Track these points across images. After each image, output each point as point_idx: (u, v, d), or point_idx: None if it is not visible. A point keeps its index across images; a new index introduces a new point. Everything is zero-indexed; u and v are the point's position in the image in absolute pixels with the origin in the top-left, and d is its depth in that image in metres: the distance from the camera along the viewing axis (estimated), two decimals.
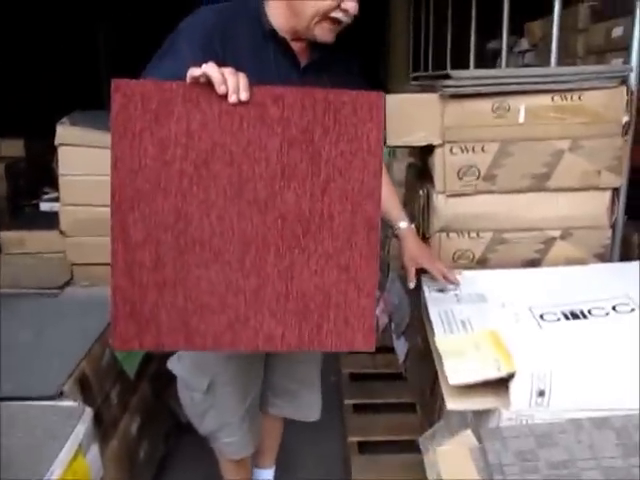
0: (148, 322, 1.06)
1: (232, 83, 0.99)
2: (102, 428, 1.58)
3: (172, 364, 1.58)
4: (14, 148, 4.36)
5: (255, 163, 1.05)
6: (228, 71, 1.00)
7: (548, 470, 1.03)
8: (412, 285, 1.52)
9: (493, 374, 1.13)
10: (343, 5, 1.25)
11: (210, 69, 0.99)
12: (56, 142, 2.30)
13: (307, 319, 1.09)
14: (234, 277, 1.07)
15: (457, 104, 1.52)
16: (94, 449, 1.43)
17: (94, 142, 2.25)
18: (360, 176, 1.06)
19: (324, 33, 1.29)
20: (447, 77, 1.51)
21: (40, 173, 4.19)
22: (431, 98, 1.53)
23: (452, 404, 1.16)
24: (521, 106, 1.53)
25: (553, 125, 1.54)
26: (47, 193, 3.54)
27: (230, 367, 1.50)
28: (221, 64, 1.03)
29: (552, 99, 1.53)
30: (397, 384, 2.32)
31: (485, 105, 1.52)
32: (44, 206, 3.33)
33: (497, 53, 3.51)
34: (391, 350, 2.48)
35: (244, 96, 1.00)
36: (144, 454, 1.85)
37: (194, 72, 1.00)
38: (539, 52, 3.01)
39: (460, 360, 1.19)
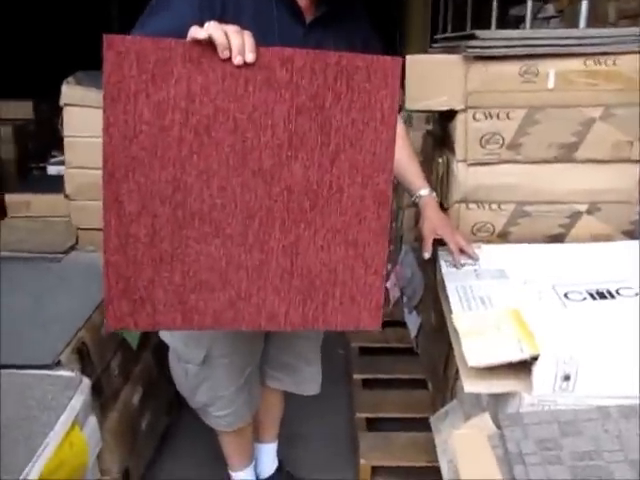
0: (143, 300, 1.00)
1: (237, 43, 0.90)
2: (102, 399, 1.53)
3: (165, 335, 1.52)
4: (23, 110, 4.30)
5: (260, 130, 0.96)
6: (232, 30, 0.91)
7: (572, 461, 0.95)
8: (427, 255, 1.44)
9: (515, 356, 1.05)
10: None
11: (213, 29, 0.90)
12: (61, 102, 2.22)
13: (312, 296, 1.03)
14: (236, 252, 1.00)
15: (482, 67, 1.41)
16: (92, 421, 1.38)
17: (100, 102, 2.15)
18: (372, 147, 0.99)
19: None
20: (472, 37, 1.41)
21: (49, 135, 4.12)
22: (454, 60, 1.43)
23: (470, 386, 1.09)
24: (551, 70, 1.43)
25: (584, 91, 1.44)
26: (55, 156, 3.48)
27: (228, 338, 1.44)
28: (221, 21, 0.95)
29: (584, 63, 1.42)
30: (408, 359, 2.25)
31: (512, 68, 1.41)
32: (52, 169, 3.26)
33: (520, 20, 3.37)
34: (402, 324, 2.42)
35: (250, 57, 0.91)
36: (146, 425, 1.80)
37: (196, 33, 0.91)
38: (566, 18, 2.86)
39: (480, 340, 1.11)
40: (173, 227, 0.97)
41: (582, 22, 2.08)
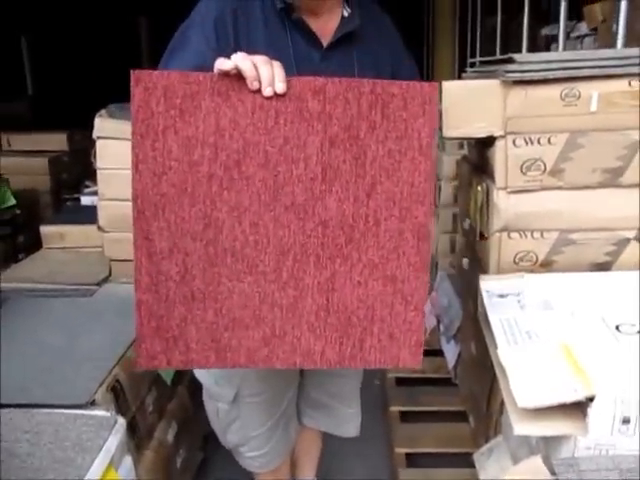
0: (176, 338, 0.97)
1: (266, 74, 0.88)
2: (137, 437, 1.50)
3: (199, 372, 1.49)
4: (57, 141, 4.37)
5: (293, 164, 0.94)
6: (261, 60, 0.89)
7: None
8: None
9: (570, 397, 0.99)
10: None
11: (241, 60, 0.88)
12: (94, 135, 2.23)
13: (349, 334, 1.00)
14: (269, 289, 0.97)
15: (521, 91, 1.37)
16: (127, 461, 1.34)
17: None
18: (410, 178, 0.96)
19: None
20: (510, 61, 1.36)
21: (82, 166, 4.19)
22: (492, 85, 1.38)
23: (520, 428, 1.02)
24: (593, 92, 1.37)
25: (629, 113, 1.38)
26: (88, 187, 3.51)
27: (259, 377, 1.40)
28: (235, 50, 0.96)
29: (629, 84, 1.36)
30: (446, 390, 2.19)
31: (553, 92, 1.36)
32: (85, 200, 3.29)
33: (552, 39, 3.31)
34: (439, 353, 2.35)
35: (280, 88, 0.89)
36: (181, 461, 1.76)
37: (223, 65, 0.89)
38: (600, 37, 2.80)
39: (529, 378, 1.05)
40: (205, 264, 0.95)
41: (619, 41, 2.03)
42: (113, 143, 2.21)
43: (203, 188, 0.93)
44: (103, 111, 2.26)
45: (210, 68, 1.12)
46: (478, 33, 4.22)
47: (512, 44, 3.39)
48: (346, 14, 1.24)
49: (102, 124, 2.21)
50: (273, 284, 0.97)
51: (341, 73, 1.16)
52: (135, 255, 0.95)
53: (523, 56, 1.37)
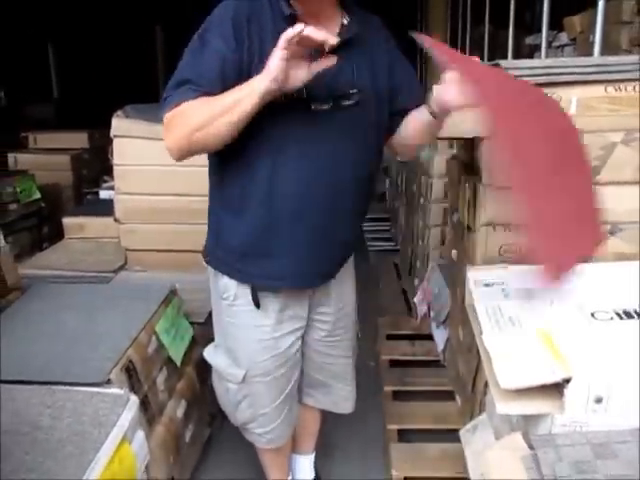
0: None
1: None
2: (148, 414, 1.50)
3: (208, 354, 1.49)
4: (79, 140, 4.38)
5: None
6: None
7: None
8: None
9: (548, 379, 0.98)
10: None
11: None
12: (111, 134, 2.22)
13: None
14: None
15: None
16: (140, 435, 1.34)
17: (146, 133, 2.16)
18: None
19: None
20: (497, 67, 1.35)
21: (101, 163, 4.19)
22: None
23: (503, 408, 1.02)
24: (573, 97, 1.37)
25: (605, 117, 1.37)
26: (106, 181, 3.51)
27: (265, 359, 1.39)
28: (249, 51, 1.07)
29: (605, 90, 1.36)
30: (435, 371, 2.19)
31: None
32: (103, 194, 3.30)
33: (534, 48, 3.30)
34: (429, 337, 2.35)
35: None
36: (190, 437, 1.76)
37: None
38: (579, 46, 2.79)
39: (511, 362, 1.04)
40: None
41: (596, 49, 2.01)
42: (128, 141, 2.21)
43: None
44: (120, 112, 2.26)
45: (229, 68, 1.13)
46: (468, 41, 4.19)
47: (499, 52, 3.36)
48: (346, 22, 1.24)
49: (119, 124, 2.20)
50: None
51: (341, 73, 1.19)
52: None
53: (509, 62, 1.36)
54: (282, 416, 1.48)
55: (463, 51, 4.25)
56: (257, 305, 1.34)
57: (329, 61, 1.08)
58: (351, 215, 1.34)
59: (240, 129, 1.12)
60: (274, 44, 1.06)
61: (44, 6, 5.94)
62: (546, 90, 1.35)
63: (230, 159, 1.25)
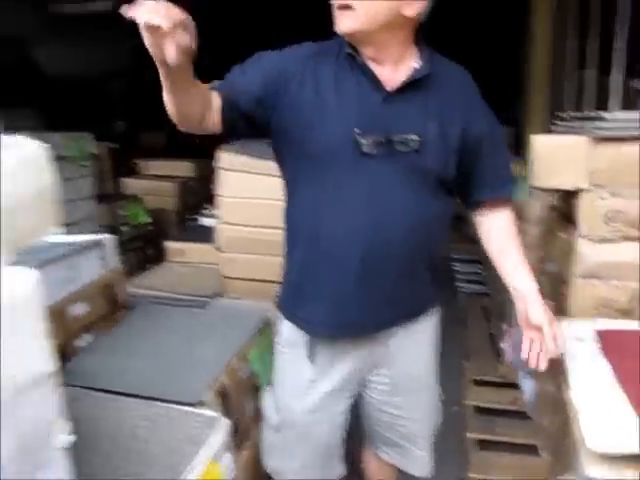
0: None
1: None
2: (237, 438, 1.55)
3: (266, 391, 1.47)
4: (186, 169, 4.63)
5: None
6: None
7: None
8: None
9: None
10: None
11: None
12: (217, 166, 2.36)
13: None
14: None
15: (608, 147, 1.35)
16: (228, 457, 1.40)
17: (251, 168, 2.28)
18: None
19: (336, 23, 1.14)
20: (598, 119, 1.34)
21: (205, 191, 4.41)
22: (580, 141, 1.37)
23: (590, 470, 0.99)
24: None
25: None
26: (207, 209, 3.69)
27: (302, 411, 1.33)
28: (300, 89, 1.09)
29: None
30: (521, 423, 2.12)
31: (636, 149, 1.33)
32: (204, 221, 3.46)
33: None
34: (516, 386, 2.28)
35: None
36: None
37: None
38: None
39: (602, 424, 1.02)
40: None
41: None
42: (233, 174, 2.33)
43: None
44: (227, 146, 2.39)
45: (253, 95, 1.15)
46: (571, 84, 4.09)
47: (604, 95, 3.26)
48: (417, 66, 1.18)
49: (225, 157, 2.33)
50: None
51: (401, 117, 1.15)
52: None
53: (609, 115, 1.34)
54: (311, 476, 1.39)
55: (566, 95, 4.14)
56: (307, 353, 1.29)
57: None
58: (403, 267, 1.21)
59: (177, 103, 1.08)
60: (335, 80, 1.13)
61: None
62: None
63: (288, 195, 1.26)
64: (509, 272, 1.28)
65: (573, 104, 4.10)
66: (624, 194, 1.35)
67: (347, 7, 1.10)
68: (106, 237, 1.93)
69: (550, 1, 4.30)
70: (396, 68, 1.17)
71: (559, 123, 1.72)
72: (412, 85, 1.16)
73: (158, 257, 3.32)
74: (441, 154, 1.18)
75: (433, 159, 1.17)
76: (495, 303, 3.25)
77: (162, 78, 1.03)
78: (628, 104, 3.31)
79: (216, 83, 1.17)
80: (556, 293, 1.63)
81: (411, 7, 1.11)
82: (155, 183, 4.42)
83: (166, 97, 1.08)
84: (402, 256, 1.19)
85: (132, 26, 0.91)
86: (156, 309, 1.97)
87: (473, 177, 1.25)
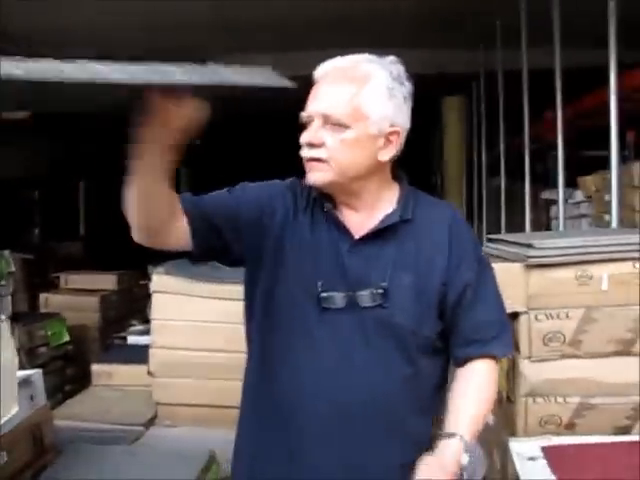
0: None
1: None
2: None
3: None
4: (108, 282, 4.47)
5: None
6: None
7: None
8: None
9: None
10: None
11: None
12: (151, 289, 2.32)
13: None
14: None
15: (541, 273, 1.45)
16: None
17: (186, 290, 2.25)
18: None
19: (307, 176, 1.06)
20: (530, 246, 1.45)
21: (128, 305, 4.26)
22: (514, 267, 1.47)
23: None
24: (603, 274, 1.45)
25: (637, 291, 1.44)
26: (134, 325, 3.55)
27: None
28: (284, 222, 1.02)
29: (634, 266, 1.44)
30: None
31: (568, 274, 1.45)
32: (131, 339, 3.31)
33: (550, 203, 3.46)
34: None
35: None
36: None
37: None
38: (595, 204, 2.94)
39: None
40: None
41: (614, 221, 2.15)
42: (168, 297, 2.29)
43: None
44: (160, 268, 2.35)
45: (231, 212, 1.05)
46: (484, 194, 4.39)
47: (516, 205, 3.53)
48: (389, 211, 1.07)
49: (160, 280, 2.29)
50: None
51: (367, 268, 1.04)
52: None
53: (541, 242, 1.45)
54: None
55: (480, 204, 4.43)
56: None
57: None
58: (364, 433, 1.04)
59: (144, 202, 0.98)
60: (309, 223, 1.06)
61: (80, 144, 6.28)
62: (578, 268, 1.44)
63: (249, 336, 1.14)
64: (451, 412, 1.06)
65: (485, 209, 4.39)
66: (560, 315, 1.44)
67: (319, 160, 1.02)
68: (35, 373, 1.80)
69: (460, 116, 4.71)
70: (371, 214, 1.07)
71: (490, 245, 1.78)
72: (383, 232, 1.06)
73: (81, 377, 3.11)
74: (414, 309, 1.04)
75: (403, 314, 1.03)
76: None
77: (138, 167, 0.92)
78: (536, 209, 3.59)
79: (187, 194, 1.07)
80: (500, 411, 1.66)
81: (388, 151, 1.03)
82: (76, 298, 4.23)
83: (133, 195, 0.96)
84: (361, 420, 1.03)
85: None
86: (86, 449, 1.82)
87: (453, 334, 1.08)
